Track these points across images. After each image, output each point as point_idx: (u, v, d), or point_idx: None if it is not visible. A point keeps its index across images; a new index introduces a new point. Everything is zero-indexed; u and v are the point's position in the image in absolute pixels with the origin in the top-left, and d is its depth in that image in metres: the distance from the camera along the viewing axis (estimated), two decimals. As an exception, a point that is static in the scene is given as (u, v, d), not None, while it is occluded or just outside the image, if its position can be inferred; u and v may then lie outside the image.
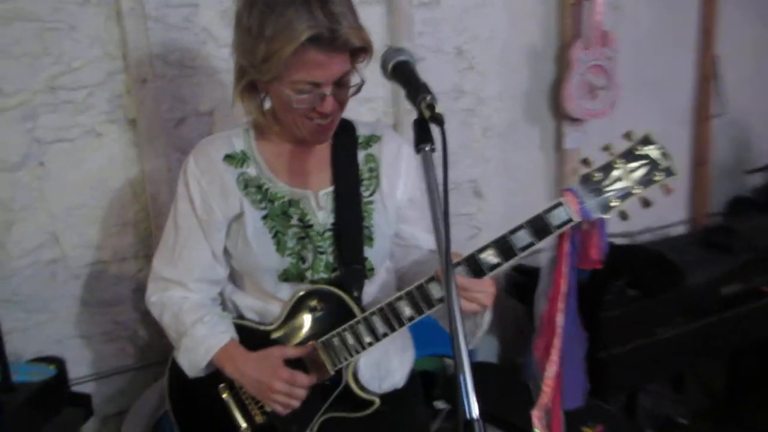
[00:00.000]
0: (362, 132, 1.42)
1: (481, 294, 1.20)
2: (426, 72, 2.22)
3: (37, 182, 1.88)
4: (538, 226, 1.21)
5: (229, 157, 1.35)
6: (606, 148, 1.24)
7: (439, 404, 2.19)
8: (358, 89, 1.27)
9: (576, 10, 2.38)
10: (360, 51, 1.25)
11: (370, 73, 2.19)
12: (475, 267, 1.22)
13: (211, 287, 1.41)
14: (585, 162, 1.23)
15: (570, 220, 1.21)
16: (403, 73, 1.13)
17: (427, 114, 1.03)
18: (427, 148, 1.00)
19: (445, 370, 2.40)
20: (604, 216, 1.21)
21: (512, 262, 1.22)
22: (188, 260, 1.37)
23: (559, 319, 1.26)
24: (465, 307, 1.19)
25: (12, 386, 1.47)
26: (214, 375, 1.37)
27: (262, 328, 1.37)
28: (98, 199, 1.94)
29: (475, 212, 2.55)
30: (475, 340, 1.29)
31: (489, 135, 2.49)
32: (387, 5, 2.19)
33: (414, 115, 1.04)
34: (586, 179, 1.22)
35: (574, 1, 2.37)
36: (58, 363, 1.67)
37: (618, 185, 1.22)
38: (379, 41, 2.23)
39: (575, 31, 2.40)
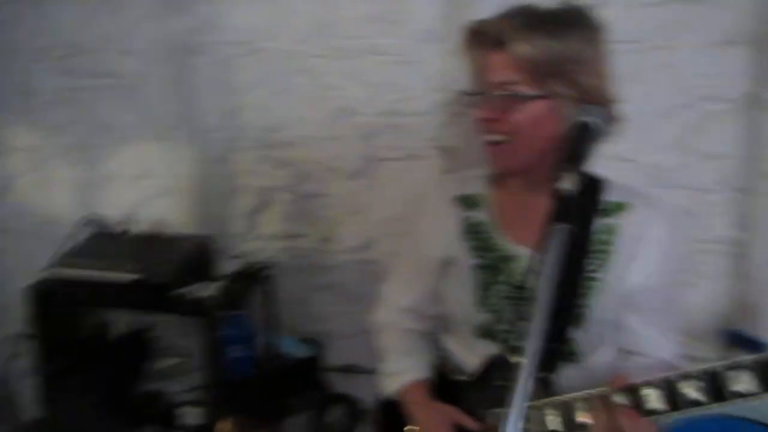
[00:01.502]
0: (610, 197, 1.23)
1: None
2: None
3: (367, 192, 2.17)
4: (771, 372, 0.87)
5: (460, 199, 1.34)
6: None
7: None
8: (511, 97, 1.11)
9: None
10: (540, 67, 1.08)
11: (718, 125, 1.89)
12: (671, 398, 0.95)
13: (423, 320, 1.43)
14: None
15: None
16: (575, 136, 0.95)
17: (557, 194, 0.87)
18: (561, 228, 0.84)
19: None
20: None
21: (720, 406, 0.90)
22: (407, 288, 1.42)
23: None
24: None
25: (277, 354, 1.76)
26: None
27: (454, 377, 1.34)
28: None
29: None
30: None
31: None
32: (756, 46, 1.80)
33: None
34: None
35: None
36: (317, 346, 1.91)
37: None
38: (738, 89, 1.86)
39: None
